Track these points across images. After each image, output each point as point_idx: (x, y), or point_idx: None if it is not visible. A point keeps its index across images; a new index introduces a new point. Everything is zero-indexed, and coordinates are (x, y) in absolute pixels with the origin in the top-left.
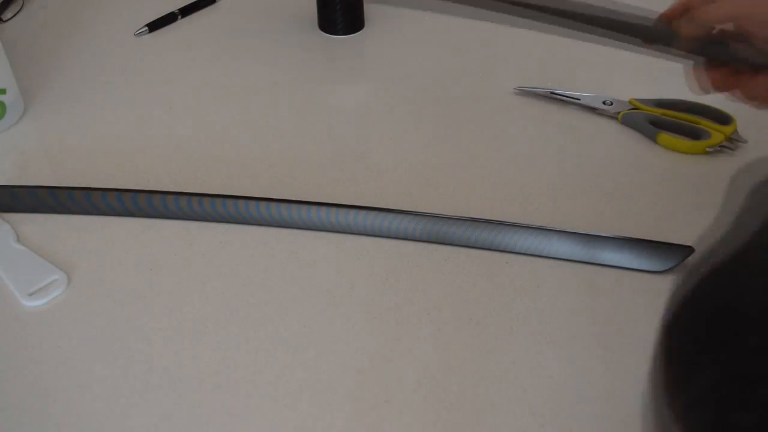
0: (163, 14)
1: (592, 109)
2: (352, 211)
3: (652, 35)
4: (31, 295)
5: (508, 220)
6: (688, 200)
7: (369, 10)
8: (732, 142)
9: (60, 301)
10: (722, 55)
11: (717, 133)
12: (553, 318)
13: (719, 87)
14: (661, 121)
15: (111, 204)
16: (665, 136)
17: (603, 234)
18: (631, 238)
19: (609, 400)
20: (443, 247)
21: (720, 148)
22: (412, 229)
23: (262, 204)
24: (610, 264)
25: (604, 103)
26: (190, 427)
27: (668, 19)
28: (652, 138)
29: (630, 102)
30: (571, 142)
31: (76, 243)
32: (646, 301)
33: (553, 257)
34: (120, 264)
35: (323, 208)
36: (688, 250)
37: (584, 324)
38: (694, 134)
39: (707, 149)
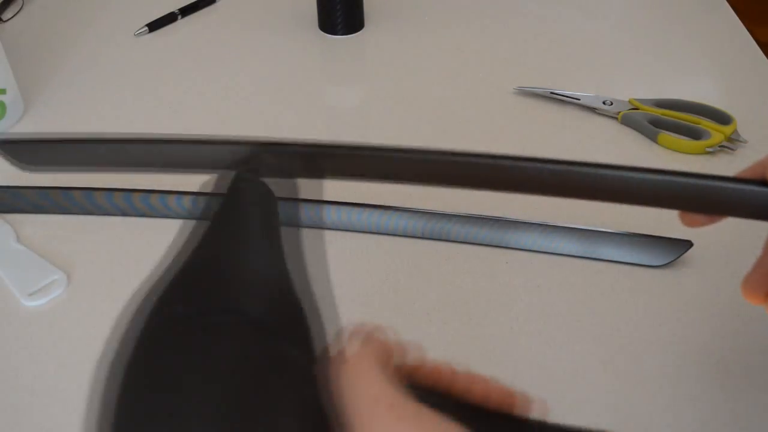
0: (163, 14)
1: (592, 109)
2: (355, 210)
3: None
4: (31, 295)
5: (507, 217)
6: None
7: (369, 10)
8: (732, 142)
9: (60, 301)
10: None
11: (717, 133)
12: (553, 317)
13: None
14: (661, 121)
15: (114, 203)
16: (665, 136)
17: (602, 229)
18: (630, 233)
19: (609, 399)
20: (443, 245)
21: (720, 148)
22: (411, 226)
23: None
24: (610, 259)
25: (604, 103)
26: None
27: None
28: (652, 138)
29: (630, 102)
30: (571, 142)
31: (76, 243)
32: (646, 295)
33: (553, 253)
34: (120, 264)
35: (323, 206)
36: (686, 244)
37: (584, 323)
38: (694, 134)
39: (707, 149)
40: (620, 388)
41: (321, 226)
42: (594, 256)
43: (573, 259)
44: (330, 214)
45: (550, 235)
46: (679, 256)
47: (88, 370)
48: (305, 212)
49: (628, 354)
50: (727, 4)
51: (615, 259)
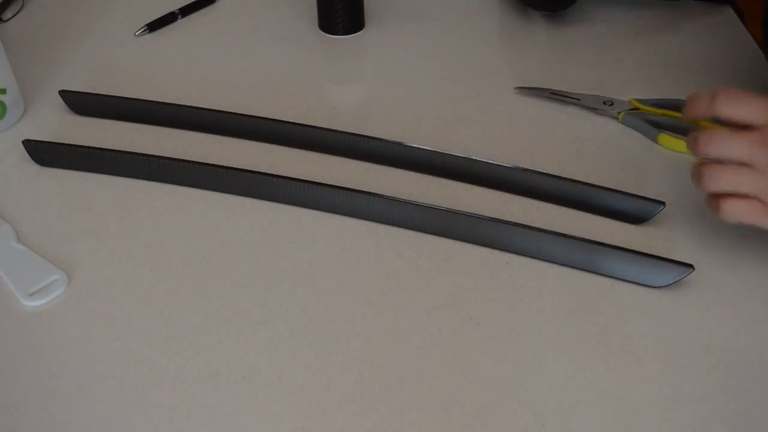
0: (163, 14)
1: (592, 109)
2: (357, 195)
3: None
4: (31, 295)
5: (507, 219)
6: (688, 200)
7: (369, 10)
8: None
9: (60, 301)
10: None
11: None
12: (553, 318)
13: None
14: (661, 121)
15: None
16: (665, 136)
17: (604, 242)
18: (632, 250)
19: (609, 400)
20: (444, 245)
21: None
22: (414, 218)
23: (264, 195)
24: (609, 274)
25: (604, 103)
26: (190, 427)
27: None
28: (653, 138)
29: (630, 102)
30: (571, 143)
31: (76, 243)
32: (643, 315)
33: (553, 261)
34: (120, 264)
35: (329, 189)
36: (688, 268)
37: (584, 324)
38: None
39: None
40: (620, 389)
41: (326, 210)
42: (594, 269)
43: (573, 268)
44: (335, 197)
45: (552, 242)
46: (678, 280)
47: (88, 370)
48: (311, 193)
49: (628, 354)
50: (727, 4)
51: (614, 275)
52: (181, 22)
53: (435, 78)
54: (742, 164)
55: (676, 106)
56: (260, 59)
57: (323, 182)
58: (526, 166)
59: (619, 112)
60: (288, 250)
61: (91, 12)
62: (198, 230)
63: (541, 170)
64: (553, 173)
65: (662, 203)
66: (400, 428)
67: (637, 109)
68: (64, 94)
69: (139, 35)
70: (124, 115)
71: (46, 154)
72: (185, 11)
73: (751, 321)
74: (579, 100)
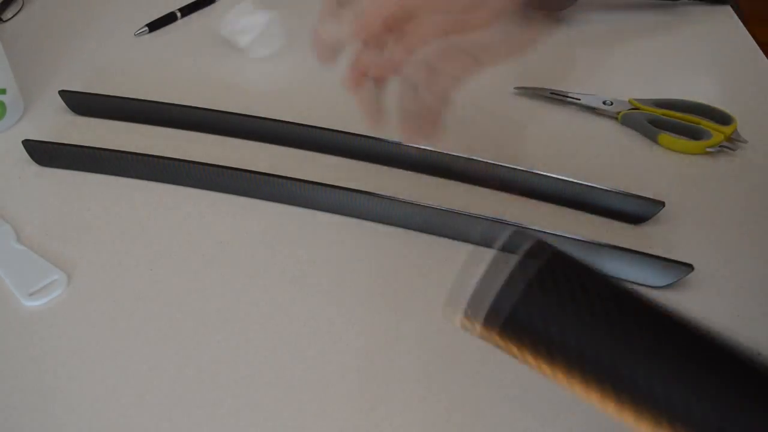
0: (163, 14)
1: (592, 109)
2: (357, 195)
3: None
4: (31, 295)
5: (506, 219)
6: (688, 200)
7: None
8: (732, 142)
9: (60, 301)
10: None
11: (717, 133)
12: None
13: None
14: (661, 121)
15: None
16: (665, 136)
17: (604, 242)
18: (631, 250)
19: None
20: (444, 245)
21: (720, 148)
22: (414, 218)
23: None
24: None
25: (604, 103)
26: (190, 427)
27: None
28: (653, 138)
29: (630, 102)
30: (571, 143)
31: (76, 243)
32: None
33: None
34: (120, 264)
35: (329, 189)
36: (688, 268)
37: None
38: (694, 134)
39: (707, 149)
40: None
41: (330, 210)
42: None
43: None
44: (335, 197)
45: (551, 242)
46: (678, 279)
47: (88, 370)
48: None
49: None
50: (727, 4)
51: (614, 275)
52: (181, 22)
53: None
54: None
55: (676, 106)
56: (259, 58)
57: (323, 182)
58: (525, 167)
59: (619, 112)
60: (288, 250)
61: (91, 12)
62: (198, 230)
63: (540, 171)
64: (553, 173)
65: (662, 203)
66: (400, 428)
67: (637, 109)
68: (64, 94)
69: (138, 35)
70: (124, 115)
71: (46, 154)
72: (185, 11)
73: (751, 321)
74: (578, 100)
